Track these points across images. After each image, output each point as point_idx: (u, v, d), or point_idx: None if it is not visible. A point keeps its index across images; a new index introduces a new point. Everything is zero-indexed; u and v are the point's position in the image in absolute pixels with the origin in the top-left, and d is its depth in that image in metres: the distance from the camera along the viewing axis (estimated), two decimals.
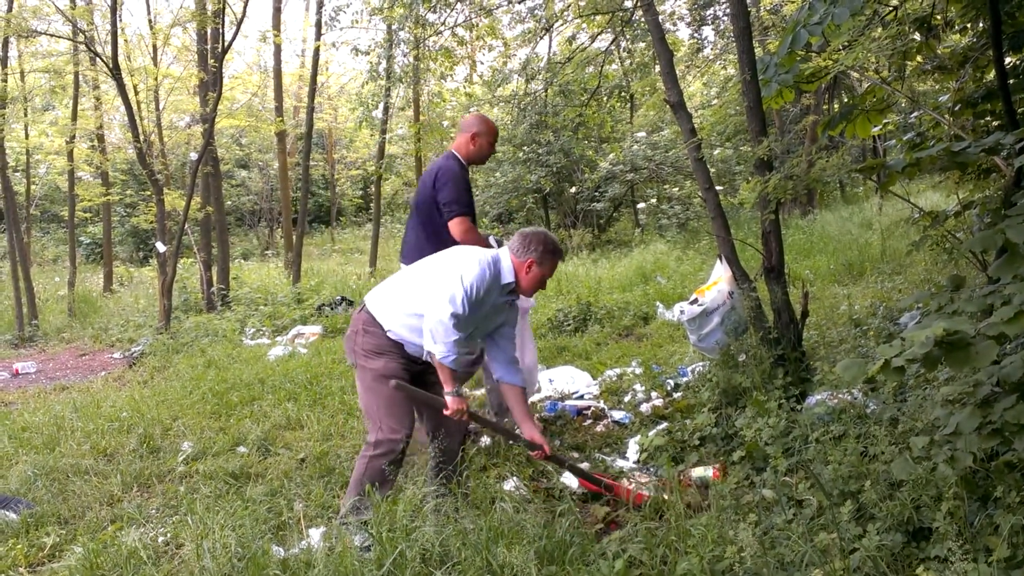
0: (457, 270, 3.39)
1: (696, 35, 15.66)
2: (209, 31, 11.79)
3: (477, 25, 12.31)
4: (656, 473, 3.96)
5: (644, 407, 5.04)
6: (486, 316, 3.55)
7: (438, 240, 4.33)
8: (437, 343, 3.30)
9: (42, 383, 8.49)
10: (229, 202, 23.24)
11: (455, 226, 4.34)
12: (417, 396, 3.55)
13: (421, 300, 3.45)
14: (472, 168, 4.81)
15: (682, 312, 4.87)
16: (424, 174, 4.64)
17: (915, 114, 5.34)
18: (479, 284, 3.37)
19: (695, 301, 4.84)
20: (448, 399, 3.39)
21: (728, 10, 11.23)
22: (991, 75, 4.80)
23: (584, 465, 4.22)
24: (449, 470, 3.60)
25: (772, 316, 4.62)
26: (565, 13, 12.00)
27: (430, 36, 11.11)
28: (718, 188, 5.43)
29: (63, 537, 3.85)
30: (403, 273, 3.78)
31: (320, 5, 13.84)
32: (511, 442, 4.01)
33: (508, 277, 3.53)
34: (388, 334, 3.53)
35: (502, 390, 3.76)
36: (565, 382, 5.78)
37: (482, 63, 18.97)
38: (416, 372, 3.64)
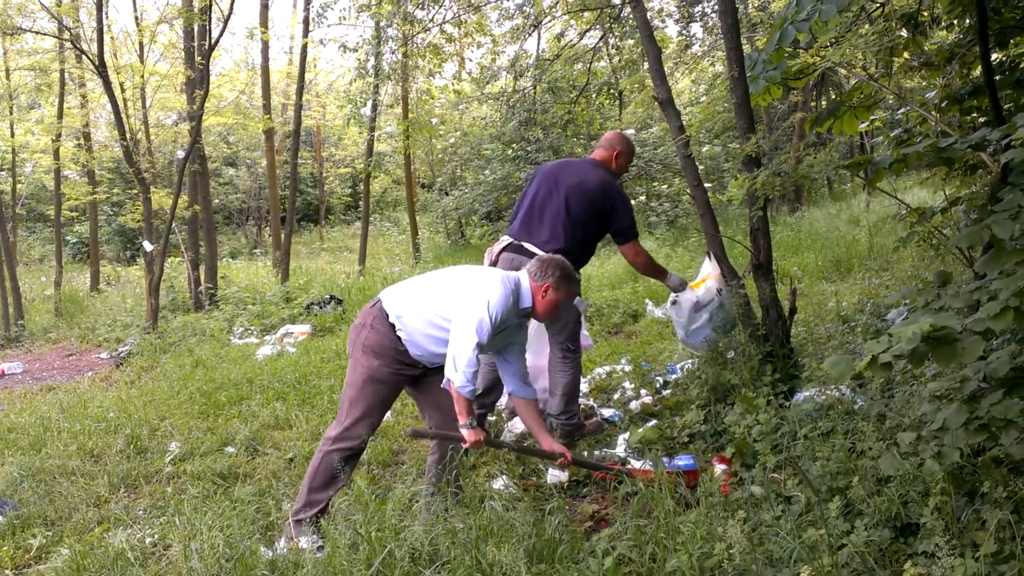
0: (484, 294, 3.37)
1: (684, 32, 15.65)
2: (196, 28, 11.72)
3: (465, 22, 12.31)
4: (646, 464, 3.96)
5: (633, 404, 5.05)
6: (499, 338, 3.54)
7: (590, 249, 4.59)
8: (458, 371, 3.26)
9: (28, 383, 8.44)
10: (217, 200, 23.14)
11: (631, 248, 4.52)
12: (433, 436, 3.58)
13: (443, 309, 3.44)
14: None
15: (674, 302, 4.83)
16: (581, 180, 4.52)
17: (902, 110, 5.35)
18: (502, 310, 3.36)
19: (675, 302, 4.83)
20: (464, 432, 3.36)
21: (716, 7, 11.25)
22: (977, 71, 4.82)
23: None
24: (439, 469, 3.61)
25: (760, 313, 4.63)
26: (553, 10, 12.00)
27: (418, 33, 11.09)
28: (707, 185, 5.44)
29: (49, 539, 3.83)
30: (428, 277, 3.75)
31: (308, 2, 13.78)
32: (534, 457, 4.04)
33: (527, 302, 3.54)
34: (398, 333, 3.51)
35: (515, 404, 3.76)
36: None
37: (471, 60, 18.99)
38: (412, 376, 3.63)
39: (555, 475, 4.05)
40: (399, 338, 3.50)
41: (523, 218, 4.62)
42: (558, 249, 4.39)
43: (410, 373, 3.59)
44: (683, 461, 3.82)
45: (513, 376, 3.70)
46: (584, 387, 5.66)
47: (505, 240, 4.62)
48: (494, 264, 4.68)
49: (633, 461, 4.02)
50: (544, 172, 4.71)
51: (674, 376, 5.40)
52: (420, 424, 3.90)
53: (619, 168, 4.67)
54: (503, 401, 5.16)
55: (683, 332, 4.83)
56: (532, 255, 4.42)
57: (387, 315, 3.54)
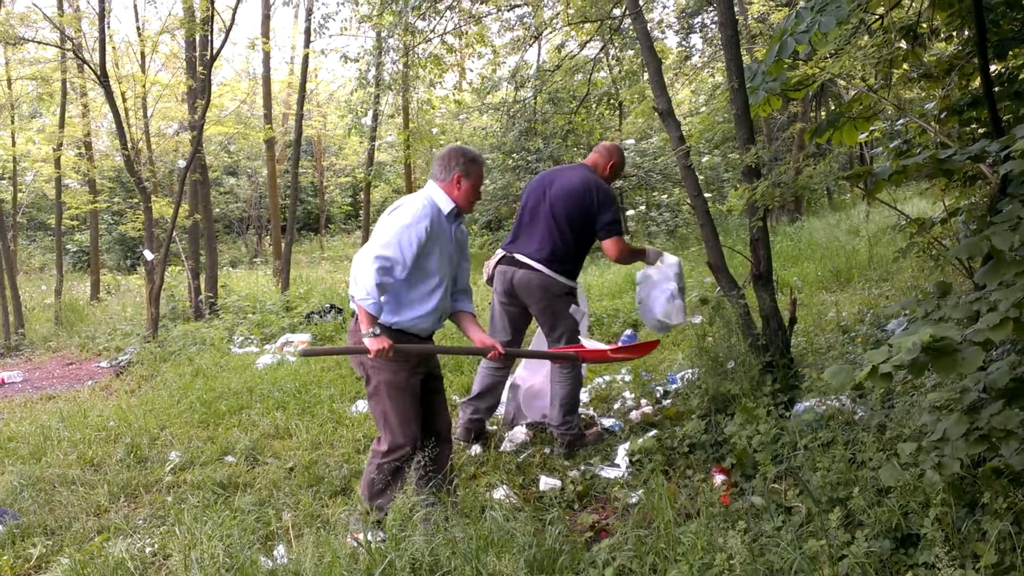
0: (397, 219, 3.42)
1: (684, 43, 15.74)
2: (198, 38, 11.75)
3: (466, 33, 12.33)
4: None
5: (634, 414, 5.05)
6: (450, 255, 3.61)
7: (582, 250, 4.62)
8: (358, 284, 3.30)
9: (28, 392, 8.43)
10: (217, 209, 23.18)
11: (614, 243, 4.56)
12: (326, 352, 3.98)
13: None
14: None
15: (645, 278, 4.89)
16: (569, 184, 4.60)
17: (901, 121, 5.36)
18: (426, 222, 3.41)
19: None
20: (367, 341, 3.34)
21: (716, 18, 11.29)
22: (976, 83, 4.84)
23: (574, 473, 4.23)
24: (439, 478, 3.60)
25: (760, 323, 4.63)
26: (554, 21, 12.04)
27: (419, 43, 11.12)
28: (706, 195, 5.45)
29: (49, 548, 3.82)
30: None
31: (309, 12, 13.81)
32: (467, 354, 4.08)
33: (447, 204, 3.58)
34: (392, 328, 3.52)
35: (456, 317, 3.84)
36: None
37: (471, 70, 19.04)
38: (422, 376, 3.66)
39: (548, 483, 4.05)
40: (394, 331, 3.51)
41: (514, 229, 4.72)
42: (549, 254, 4.45)
43: (420, 372, 3.62)
44: (626, 334, 3.94)
45: (465, 294, 3.83)
46: (584, 397, 5.66)
47: (499, 253, 4.67)
48: (490, 279, 4.72)
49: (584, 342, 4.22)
50: (534, 182, 4.81)
51: (674, 386, 5.40)
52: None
53: (610, 176, 4.75)
54: (501, 411, 5.16)
55: (638, 299, 4.87)
56: (524, 265, 4.47)
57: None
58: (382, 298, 3.40)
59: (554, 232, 4.50)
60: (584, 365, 5.11)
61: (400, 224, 3.39)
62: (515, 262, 4.53)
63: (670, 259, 4.79)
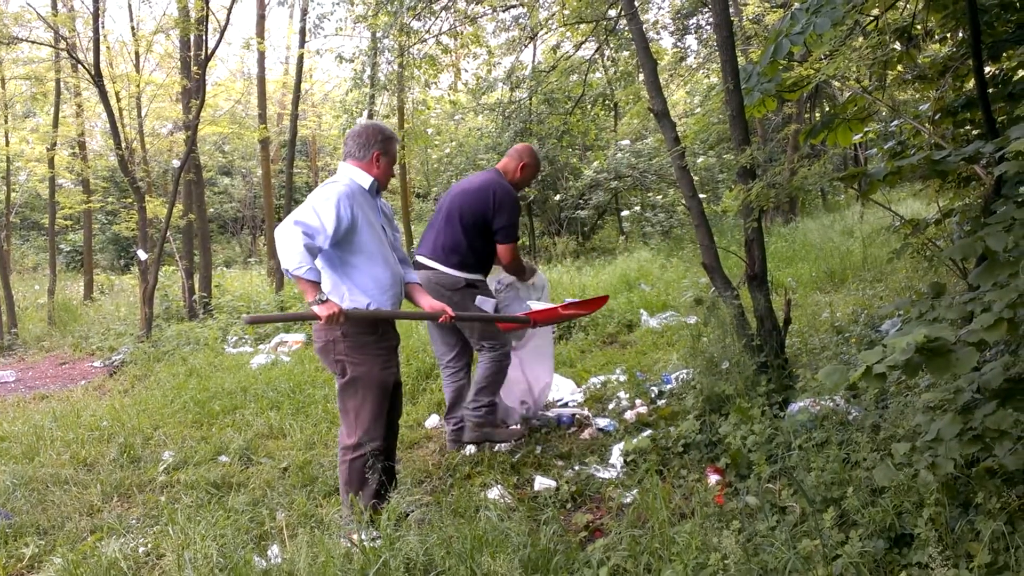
0: (312, 197, 3.47)
1: (679, 44, 15.74)
2: (192, 38, 11.74)
3: (462, 33, 12.33)
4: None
5: (628, 414, 5.05)
6: (381, 226, 3.67)
7: (481, 246, 4.57)
8: (288, 255, 3.30)
9: (21, 392, 8.40)
10: (212, 209, 23.12)
11: (507, 250, 4.58)
12: (270, 320, 3.72)
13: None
14: (462, 177, 4.92)
15: (508, 286, 4.99)
16: (470, 185, 4.68)
17: (896, 123, 5.38)
18: (345, 201, 3.44)
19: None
20: (316, 308, 3.36)
21: (711, 20, 11.31)
22: (971, 84, 4.85)
23: (569, 473, 4.23)
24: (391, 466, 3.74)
25: (755, 323, 4.64)
26: (549, 22, 12.05)
27: (414, 44, 11.11)
28: (701, 196, 5.46)
29: (42, 548, 3.81)
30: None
31: (304, 13, 13.81)
32: (418, 319, 4.15)
33: (365, 181, 3.64)
34: (359, 310, 3.55)
35: (410, 288, 3.92)
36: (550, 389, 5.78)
37: (467, 71, 18.98)
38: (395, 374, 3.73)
39: (543, 483, 4.05)
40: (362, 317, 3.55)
41: (424, 234, 4.80)
42: (441, 250, 4.55)
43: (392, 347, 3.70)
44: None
45: (405, 263, 3.90)
46: (579, 397, 5.66)
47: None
48: None
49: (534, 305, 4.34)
50: (449, 190, 4.86)
51: (669, 386, 5.40)
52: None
53: (522, 179, 4.81)
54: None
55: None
56: (423, 266, 4.55)
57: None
58: (345, 290, 3.50)
59: (448, 229, 4.57)
60: (543, 366, 5.15)
61: (316, 198, 3.44)
62: (424, 266, 4.60)
63: (541, 279, 4.98)
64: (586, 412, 5.27)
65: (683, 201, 5.23)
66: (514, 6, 12.12)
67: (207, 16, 10.89)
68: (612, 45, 12.50)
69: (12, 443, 5.65)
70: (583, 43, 12.50)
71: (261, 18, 15.01)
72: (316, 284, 3.36)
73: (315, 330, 3.66)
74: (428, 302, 3.88)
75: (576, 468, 4.31)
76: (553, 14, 11.82)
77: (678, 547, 2.82)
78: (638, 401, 5.29)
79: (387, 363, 3.65)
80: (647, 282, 10.26)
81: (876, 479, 2.81)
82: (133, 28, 14.10)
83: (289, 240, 3.31)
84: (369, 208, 3.62)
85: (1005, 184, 3.36)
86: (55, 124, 14.41)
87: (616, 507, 3.68)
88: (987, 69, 4.61)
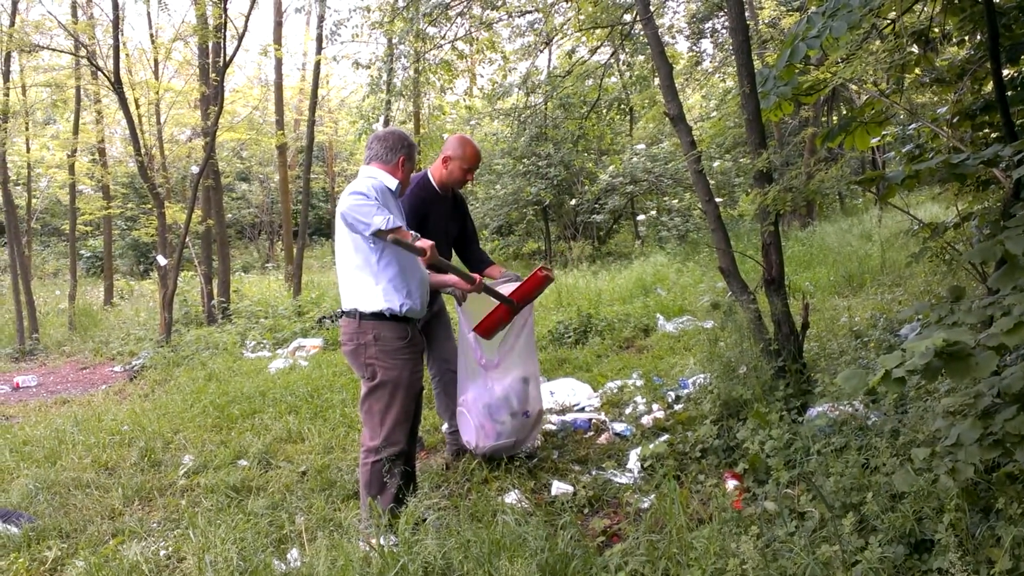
0: (354, 191, 3.46)
1: (695, 48, 15.73)
2: (210, 45, 11.84)
3: (477, 39, 12.38)
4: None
5: (645, 419, 5.04)
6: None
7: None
8: (369, 218, 3.31)
9: (43, 396, 8.49)
10: (230, 215, 23.30)
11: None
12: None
13: (349, 255, 3.62)
14: (478, 181, 4.86)
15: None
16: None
17: (913, 126, 5.35)
18: (380, 199, 3.48)
19: None
20: (420, 244, 3.35)
21: (727, 23, 11.29)
22: (989, 87, 4.82)
23: (586, 478, 4.23)
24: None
25: (772, 328, 4.62)
26: (565, 27, 12.06)
27: (430, 50, 11.17)
28: (718, 200, 5.45)
29: (64, 551, 3.85)
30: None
31: (321, 19, 13.89)
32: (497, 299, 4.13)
33: (391, 183, 3.67)
34: (384, 312, 3.58)
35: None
36: (566, 394, 5.78)
37: (482, 76, 19.09)
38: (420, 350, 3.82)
39: (560, 488, 4.06)
40: (391, 315, 3.59)
41: None
42: None
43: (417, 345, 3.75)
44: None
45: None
46: (596, 401, 5.66)
47: None
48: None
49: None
50: None
51: (686, 391, 5.39)
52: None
53: (450, 173, 4.40)
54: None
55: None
56: None
57: (364, 313, 3.62)
58: (380, 291, 3.56)
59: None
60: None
61: (358, 191, 3.44)
62: None
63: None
64: (603, 417, 5.27)
65: (699, 205, 5.21)
66: (529, 11, 12.15)
67: (225, 23, 10.99)
68: (627, 49, 12.51)
69: (34, 447, 5.71)
70: (598, 48, 12.51)
71: (278, 25, 15.14)
72: (403, 229, 3.39)
73: (344, 332, 3.70)
74: (454, 280, 3.93)
75: (593, 473, 4.31)
76: (568, 19, 11.84)
77: (696, 552, 2.82)
78: (655, 406, 5.28)
79: (416, 368, 3.69)
80: (663, 286, 10.25)
81: (896, 484, 2.80)
82: (152, 35, 14.24)
83: (361, 205, 3.34)
84: (396, 209, 3.67)
85: None
86: (75, 131, 14.56)
87: (634, 512, 3.68)
88: (1005, 72, 4.58)
